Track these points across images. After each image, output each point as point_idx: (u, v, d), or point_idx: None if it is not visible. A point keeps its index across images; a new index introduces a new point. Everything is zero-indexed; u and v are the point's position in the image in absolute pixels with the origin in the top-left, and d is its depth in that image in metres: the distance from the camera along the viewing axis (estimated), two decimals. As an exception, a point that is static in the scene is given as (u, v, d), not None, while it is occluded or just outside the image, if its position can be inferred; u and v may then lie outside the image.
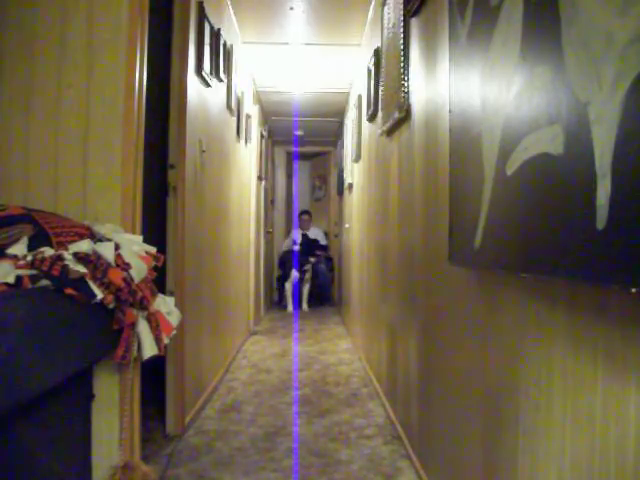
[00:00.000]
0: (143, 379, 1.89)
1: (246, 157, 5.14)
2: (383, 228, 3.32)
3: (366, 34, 4.26)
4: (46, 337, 1.21)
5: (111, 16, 1.82)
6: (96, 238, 1.58)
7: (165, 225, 2.65)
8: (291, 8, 3.95)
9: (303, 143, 8.65)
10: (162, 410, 2.69)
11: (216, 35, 3.27)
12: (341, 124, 6.92)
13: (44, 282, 1.34)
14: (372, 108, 3.61)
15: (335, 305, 8.01)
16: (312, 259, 7.57)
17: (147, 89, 1.93)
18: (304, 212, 8.42)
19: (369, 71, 3.77)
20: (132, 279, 1.56)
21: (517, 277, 1.24)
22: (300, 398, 3.40)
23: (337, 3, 3.89)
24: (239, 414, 3.07)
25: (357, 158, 4.84)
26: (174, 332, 1.80)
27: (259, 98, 6.27)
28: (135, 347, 1.62)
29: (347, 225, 6.10)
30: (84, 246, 1.48)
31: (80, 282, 1.40)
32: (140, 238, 1.76)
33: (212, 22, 3.13)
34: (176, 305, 1.87)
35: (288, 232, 8.80)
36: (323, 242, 8.34)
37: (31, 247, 1.41)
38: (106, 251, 1.52)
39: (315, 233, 8.26)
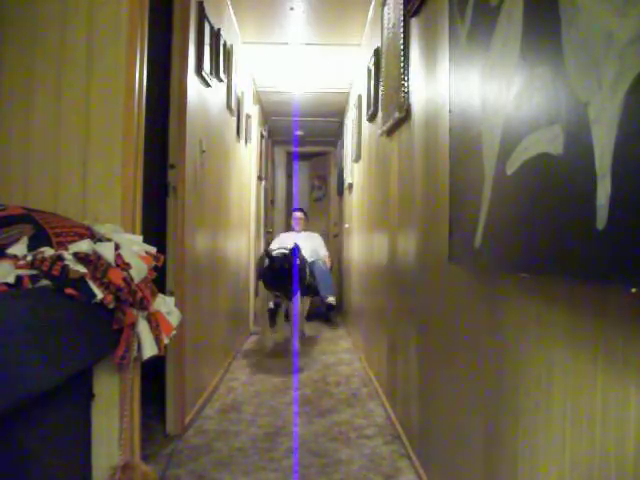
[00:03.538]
0: (143, 379, 1.89)
1: (246, 157, 5.14)
2: (383, 228, 3.32)
3: (366, 34, 4.26)
4: (46, 337, 1.21)
5: (111, 16, 1.82)
6: (96, 238, 1.58)
7: (165, 225, 2.65)
8: (291, 8, 3.95)
9: (303, 143, 8.65)
10: (162, 410, 2.69)
11: (216, 35, 3.27)
12: (341, 124, 6.92)
13: (44, 282, 1.34)
14: (372, 108, 3.61)
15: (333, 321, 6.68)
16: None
17: (147, 89, 1.93)
18: (297, 210, 6.76)
19: (369, 71, 3.77)
20: (132, 279, 1.56)
21: (517, 277, 1.24)
22: (300, 398, 3.40)
23: (337, 3, 3.89)
24: (239, 414, 3.07)
25: (357, 158, 4.84)
26: (174, 332, 1.80)
27: (259, 98, 6.26)
28: (135, 347, 1.62)
29: (347, 225, 6.10)
30: (84, 246, 1.48)
31: (80, 282, 1.40)
32: (140, 238, 1.76)
33: (212, 22, 3.13)
34: (176, 305, 1.87)
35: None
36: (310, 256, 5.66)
37: (31, 247, 1.40)
38: (106, 251, 1.52)
39: (310, 240, 6.08)
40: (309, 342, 5.27)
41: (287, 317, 5.17)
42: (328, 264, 6.23)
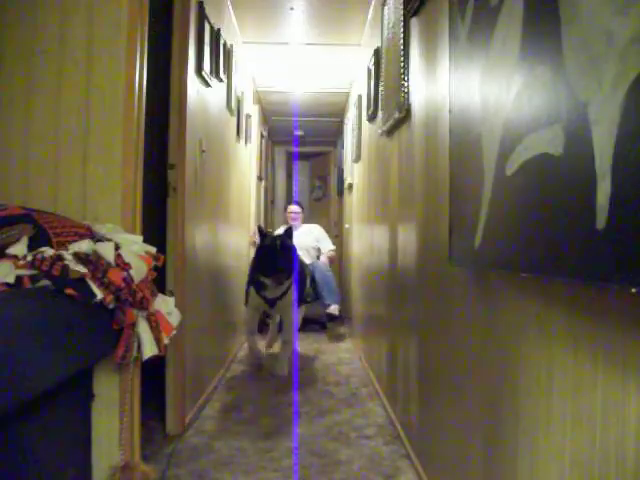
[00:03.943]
0: (143, 379, 1.89)
1: (246, 157, 5.14)
2: (383, 228, 3.32)
3: (366, 34, 4.26)
4: (46, 337, 1.21)
5: (111, 16, 1.82)
6: (96, 238, 1.58)
7: (165, 225, 2.65)
8: (291, 8, 3.95)
9: (303, 143, 8.66)
10: (162, 410, 2.69)
11: (216, 35, 3.27)
12: (341, 124, 6.92)
13: (44, 282, 1.34)
14: (372, 108, 3.61)
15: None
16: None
17: (147, 89, 1.93)
18: (293, 203, 5.87)
19: (369, 71, 3.77)
20: (132, 279, 1.56)
21: (517, 277, 1.24)
22: (300, 398, 3.40)
23: (337, 3, 3.89)
24: (239, 414, 3.07)
25: (357, 158, 4.84)
26: (174, 332, 1.80)
27: (259, 98, 6.27)
28: (135, 347, 1.62)
29: (347, 226, 6.10)
30: (84, 246, 1.48)
31: (80, 282, 1.40)
32: (140, 238, 1.76)
33: (212, 22, 3.13)
34: (176, 305, 1.87)
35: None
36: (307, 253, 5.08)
37: (31, 247, 1.41)
38: (106, 251, 1.52)
39: (309, 236, 5.35)
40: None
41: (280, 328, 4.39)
42: (333, 260, 5.32)
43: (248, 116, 5.13)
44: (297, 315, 4.12)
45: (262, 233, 3.95)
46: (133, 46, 1.83)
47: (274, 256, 3.69)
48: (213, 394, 3.40)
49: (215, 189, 3.50)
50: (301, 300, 4.21)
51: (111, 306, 1.50)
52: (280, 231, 4.56)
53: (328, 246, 5.44)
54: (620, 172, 0.73)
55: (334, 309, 4.82)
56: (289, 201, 6.28)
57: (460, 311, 1.71)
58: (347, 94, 6.01)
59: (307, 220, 6.31)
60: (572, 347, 0.99)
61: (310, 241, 5.34)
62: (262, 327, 4.67)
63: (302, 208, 5.75)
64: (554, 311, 1.07)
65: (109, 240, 1.59)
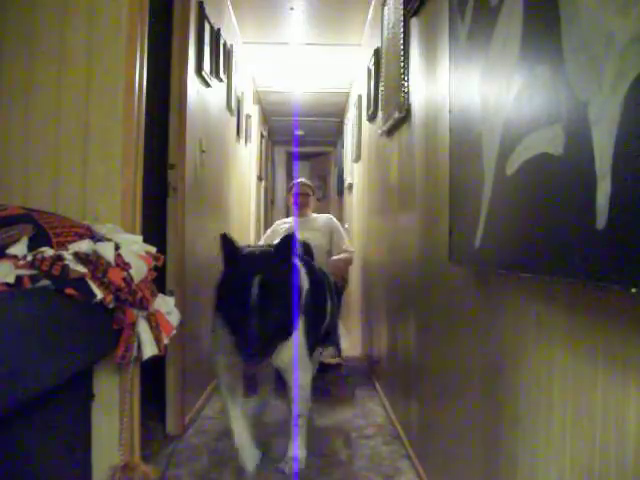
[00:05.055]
0: (143, 379, 1.89)
1: (246, 157, 5.14)
2: (383, 228, 3.32)
3: (366, 34, 4.26)
4: (46, 337, 1.21)
5: (111, 16, 1.82)
6: (96, 238, 1.58)
7: (165, 225, 2.65)
8: (291, 8, 3.95)
9: (303, 143, 8.66)
10: (162, 410, 2.69)
11: (216, 35, 3.27)
12: (341, 124, 6.92)
13: (44, 282, 1.34)
14: (372, 108, 3.61)
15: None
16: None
17: (147, 89, 1.93)
18: (299, 183, 4.09)
19: (369, 71, 3.77)
20: (132, 279, 1.56)
21: (517, 277, 1.24)
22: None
23: (337, 3, 3.89)
24: (239, 414, 3.07)
25: (357, 158, 4.85)
26: (174, 332, 1.80)
27: (259, 98, 6.27)
28: (135, 347, 1.62)
29: (347, 225, 6.10)
30: (84, 246, 1.48)
31: (80, 282, 1.40)
32: (140, 238, 1.76)
33: (212, 22, 3.13)
34: (176, 305, 1.87)
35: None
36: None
37: (31, 247, 1.40)
38: (106, 251, 1.52)
39: (320, 227, 3.86)
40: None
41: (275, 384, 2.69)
42: (348, 263, 3.76)
43: (248, 116, 5.13)
44: (310, 366, 2.45)
45: (229, 249, 2.06)
46: (133, 46, 1.83)
47: (246, 305, 1.90)
48: (213, 394, 3.40)
49: (215, 189, 3.50)
50: (316, 342, 2.55)
51: (111, 306, 1.49)
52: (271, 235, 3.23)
53: (342, 245, 3.86)
54: (620, 172, 0.73)
55: (332, 358, 3.06)
56: (292, 182, 4.18)
57: (460, 311, 1.71)
58: (347, 94, 6.01)
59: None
60: (572, 347, 0.99)
61: (319, 238, 3.74)
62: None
63: (313, 191, 4.08)
64: (554, 311, 1.06)
65: (109, 240, 1.59)
